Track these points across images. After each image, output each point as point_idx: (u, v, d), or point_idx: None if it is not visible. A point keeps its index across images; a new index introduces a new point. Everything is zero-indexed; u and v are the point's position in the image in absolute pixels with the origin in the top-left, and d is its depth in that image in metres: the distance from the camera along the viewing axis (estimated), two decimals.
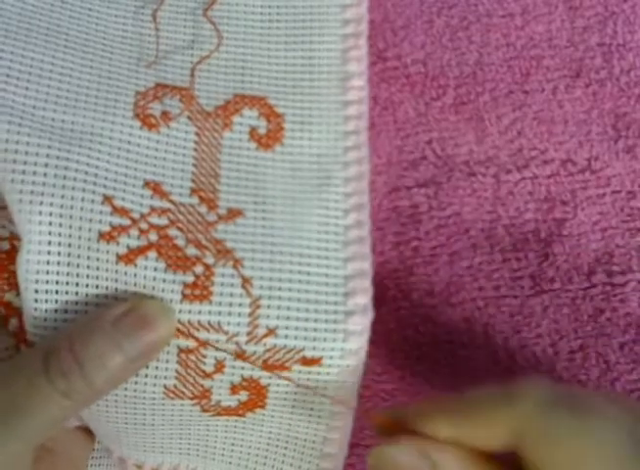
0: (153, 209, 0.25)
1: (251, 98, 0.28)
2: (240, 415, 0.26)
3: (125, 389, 0.25)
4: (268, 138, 0.28)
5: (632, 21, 0.30)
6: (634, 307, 0.27)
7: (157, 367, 0.25)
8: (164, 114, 0.27)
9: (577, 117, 0.29)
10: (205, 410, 0.26)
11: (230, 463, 0.28)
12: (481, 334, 0.27)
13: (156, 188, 0.26)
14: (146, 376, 0.25)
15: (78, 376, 0.21)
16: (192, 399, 0.25)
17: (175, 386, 0.25)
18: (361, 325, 0.25)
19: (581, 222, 0.28)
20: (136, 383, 0.25)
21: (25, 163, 0.24)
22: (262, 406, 0.26)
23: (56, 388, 0.21)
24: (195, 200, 0.26)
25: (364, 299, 0.25)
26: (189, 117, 0.27)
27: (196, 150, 0.27)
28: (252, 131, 0.28)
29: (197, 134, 0.27)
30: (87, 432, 0.29)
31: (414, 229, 0.28)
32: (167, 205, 0.25)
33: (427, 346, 0.28)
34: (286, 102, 0.28)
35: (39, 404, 0.21)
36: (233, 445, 0.27)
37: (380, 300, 0.28)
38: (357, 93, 0.29)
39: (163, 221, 0.25)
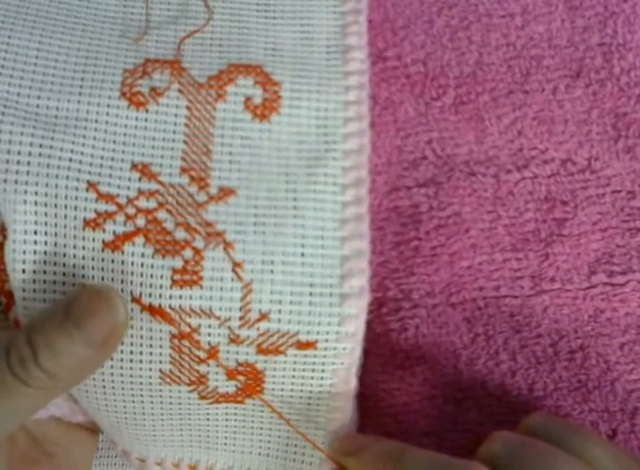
0: (141, 191, 0.25)
1: (247, 66, 0.27)
2: (239, 402, 0.26)
3: (121, 374, 0.25)
4: (264, 108, 0.27)
5: (632, 21, 0.30)
6: (634, 307, 0.27)
7: (151, 353, 0.25)
8: (153, 90, 0.26)
9: (577, 117, 0.29)
10: (202, 397, 0.26)
11: (234, 452, 0.28)
12: (482, 334, 0.27)
13: (144, 170, 0.25)
14: (141, 361, 0.25)
15: (33, 364, 0.22)
16: (189, 384, 0.25)
17: (171, 371, 0.25)
18: (357, 308, 0.25)
19: (581, 222, 0.28)
20: (131, 368, 0.25)
21: (9, 152, 0.24)
22: (260, 391, 0.26)
23: (16, 376, 0.22)
24: (185, 179, 0.25)
25: (361, 281, 0.25)
26: (180, 91, 0.26)
27: (187, 125, 0.26)
28: (247, 101, 0.27)
29: (188, 108, 0.26)
30: (90, 432, 0.29)
31: (414, 229, 0.28)
32: (156, 186, 0.25)
33: (427, 346, 0.28)
34: (283, 70, 0.27)
35: (3, 393, 0.22)
36: (235, 432, 0.27)
37: (380, 300, 0.28)
38: (358, 65, 0.28)
39: (152, 204, 0.25)
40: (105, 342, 0.23)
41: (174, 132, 0.26)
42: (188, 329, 0.24)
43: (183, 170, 0.25)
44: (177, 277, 0.24)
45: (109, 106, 0.26)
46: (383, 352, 0.28)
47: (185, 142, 0.26)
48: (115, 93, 0.26)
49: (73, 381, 0.24)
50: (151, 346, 0.24)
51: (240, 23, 0.28)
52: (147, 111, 0.26)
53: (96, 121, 0.26)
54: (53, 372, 0.22)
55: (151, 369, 0.25)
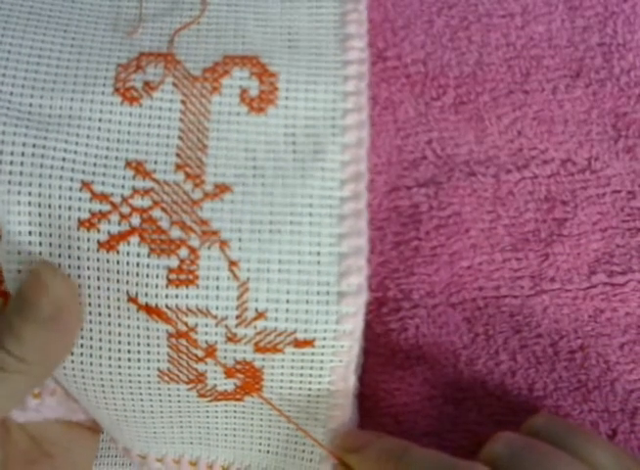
0: (135, 190, 0.25)
1: (242, 58, 0.26)
2: (238, 400, 0.26)
3: (119, 373, 0.25)
4: (260, 100, 0.26)
5: (632, 21, 0.30)
6: (634, 307, 0.27)
7: (148, 352, 0.25)
8: (147, 84, 0.26)
9: (577, 117, 0.29)
10: (201, 395, 0.26)
11: (234, 448, 0.28)
12: (482, 334, 0.27)
13: (138, 168, 0.25)
14: (138, 360, 0.25)
15: (1, 350, 0.23)
16: (187, 383, 0.25)
17: (169, 369, 0.25)
18: (355, 306, 0.25)
19: (581, 222, 0.28)
20: (129, 367, 0.25)
21: (2, 152, 0.24)
22: (259, 389, 0.25)
23: None
24: (180, 176, 0.25)
25: (358, 278, 0.25)
26: (174, 84, 0.26)
27: (182, 120, 0.26)
28: (243, 93, 0.26)
29: (182, 102, 0.26)
30: (91, 431, 0.29)
31: (414, 229, 0.28)
32: (151, 184, 0.25)
33: (427, 346, 0.28)
34: (280, 60, 0.27)
35: None
36: (235, 430, 0.27)
37: (380, 300, 0.28)
38: (357, 54, 0.27)
39: (147, 203, 0.24)
40: (54, 317, 0.23)
41: (169, 128, 0.25)
42: (185, 328, 0.24)
43: (178, 167, 0.25)
44: (173, 276, 0.24)
45: (102, 102, 0.25)
46: (383, 351, 0.28)
47: (180, 138, 0.25)
48: (109, 89, 0.26)
49: (46, 363, 0.24)
50: (148, 345, 0.24)
51: (236, 12, 0.28)
52: (141, 106, 0.26)
53: (89, 119, 0.25)
54: (21, 356, 0.23)
55: (149, 368, 0.25)
